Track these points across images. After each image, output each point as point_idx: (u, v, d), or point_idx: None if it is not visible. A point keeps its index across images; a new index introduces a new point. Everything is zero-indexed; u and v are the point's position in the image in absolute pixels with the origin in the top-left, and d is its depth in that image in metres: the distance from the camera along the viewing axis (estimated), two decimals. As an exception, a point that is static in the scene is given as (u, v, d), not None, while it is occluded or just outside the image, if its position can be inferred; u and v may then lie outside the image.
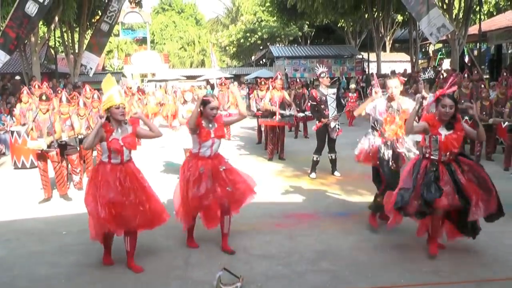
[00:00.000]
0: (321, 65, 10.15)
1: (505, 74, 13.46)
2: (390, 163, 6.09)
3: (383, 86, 12.45)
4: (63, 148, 8.47)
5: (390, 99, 6.10)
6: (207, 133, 5.36)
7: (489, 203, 5.13)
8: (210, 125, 5.43)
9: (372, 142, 6.27)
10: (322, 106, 9.20)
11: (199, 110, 5.35)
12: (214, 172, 5.40)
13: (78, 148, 8.90)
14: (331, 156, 9.45)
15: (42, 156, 8.19)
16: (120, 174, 4.97)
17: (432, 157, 5.24)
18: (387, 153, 6.10)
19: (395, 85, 6.02)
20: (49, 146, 8.07)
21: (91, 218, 4.96)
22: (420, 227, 5.50)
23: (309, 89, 16.20)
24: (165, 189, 6.66)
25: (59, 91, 12.59)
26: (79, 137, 8.85)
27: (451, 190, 5.08)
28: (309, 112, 10.69)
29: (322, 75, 9.31)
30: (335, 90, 9.45)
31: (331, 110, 9.20)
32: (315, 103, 9.34)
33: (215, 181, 5.38)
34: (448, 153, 5.20)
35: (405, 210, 5.20)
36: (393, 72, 5.57)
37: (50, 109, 8.56)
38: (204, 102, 5.37)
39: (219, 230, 5.57)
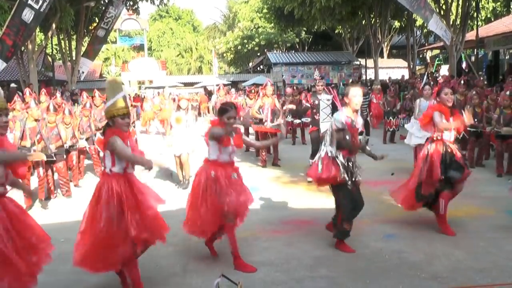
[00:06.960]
0: (316, 71, 10.21)
1: (511, 79, 13.60)
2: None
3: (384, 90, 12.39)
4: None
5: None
6: (227, 139, 5.28)
7: None
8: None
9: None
10: (314, 111, 9.39)
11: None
12: (228, 179, 5.24)
13: (65, 157, 8.93)
14: None
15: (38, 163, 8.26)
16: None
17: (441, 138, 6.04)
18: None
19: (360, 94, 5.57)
20: (55, 153, 8.41)
21: None
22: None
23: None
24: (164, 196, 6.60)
25: (55, 97, 12.63)
26: (65, 146, 8.85)
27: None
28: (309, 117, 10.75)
29: (318, 82, 9.58)
30: (330, 96, 9.50)
31: (322, 116, 9.29)
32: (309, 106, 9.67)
33: (231, 189, 5.21)
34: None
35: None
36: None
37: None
38: (222, 111, 5.31)
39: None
